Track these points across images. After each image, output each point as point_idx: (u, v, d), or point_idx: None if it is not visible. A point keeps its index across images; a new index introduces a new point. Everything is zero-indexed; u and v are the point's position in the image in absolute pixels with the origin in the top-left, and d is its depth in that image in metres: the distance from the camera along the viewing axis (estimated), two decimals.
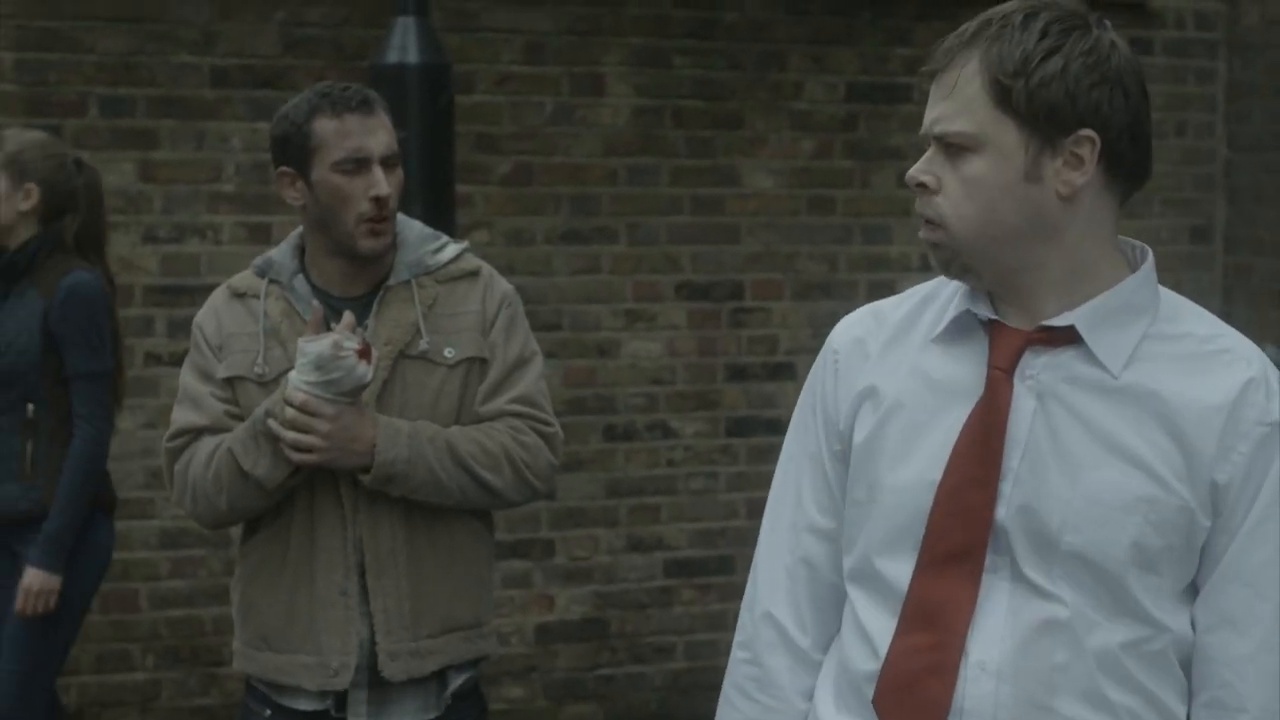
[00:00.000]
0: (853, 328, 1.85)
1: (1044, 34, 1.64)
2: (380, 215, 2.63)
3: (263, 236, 4.67)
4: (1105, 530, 1.63)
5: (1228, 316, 5.73)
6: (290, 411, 2.54)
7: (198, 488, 2.66)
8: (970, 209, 1.67)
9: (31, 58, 4.47)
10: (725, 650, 1.91)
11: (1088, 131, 1.64)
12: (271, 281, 2.72)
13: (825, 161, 5.13)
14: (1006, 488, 1.67)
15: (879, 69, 5.13)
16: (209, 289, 4.59)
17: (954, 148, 1.68)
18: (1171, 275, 5.33)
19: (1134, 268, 1.73)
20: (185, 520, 4.64)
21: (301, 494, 2.65)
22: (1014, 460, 1.67)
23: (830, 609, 1.84)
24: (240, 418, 2.66)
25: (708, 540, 5.10)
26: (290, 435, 2.54)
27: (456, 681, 2.71)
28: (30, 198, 3.67)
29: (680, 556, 5.07)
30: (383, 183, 2.62)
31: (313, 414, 2.53)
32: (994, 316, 1.71)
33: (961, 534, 1.67)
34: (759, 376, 5.12)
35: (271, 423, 2.56)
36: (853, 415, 1.79)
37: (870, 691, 1.73)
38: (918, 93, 5.17)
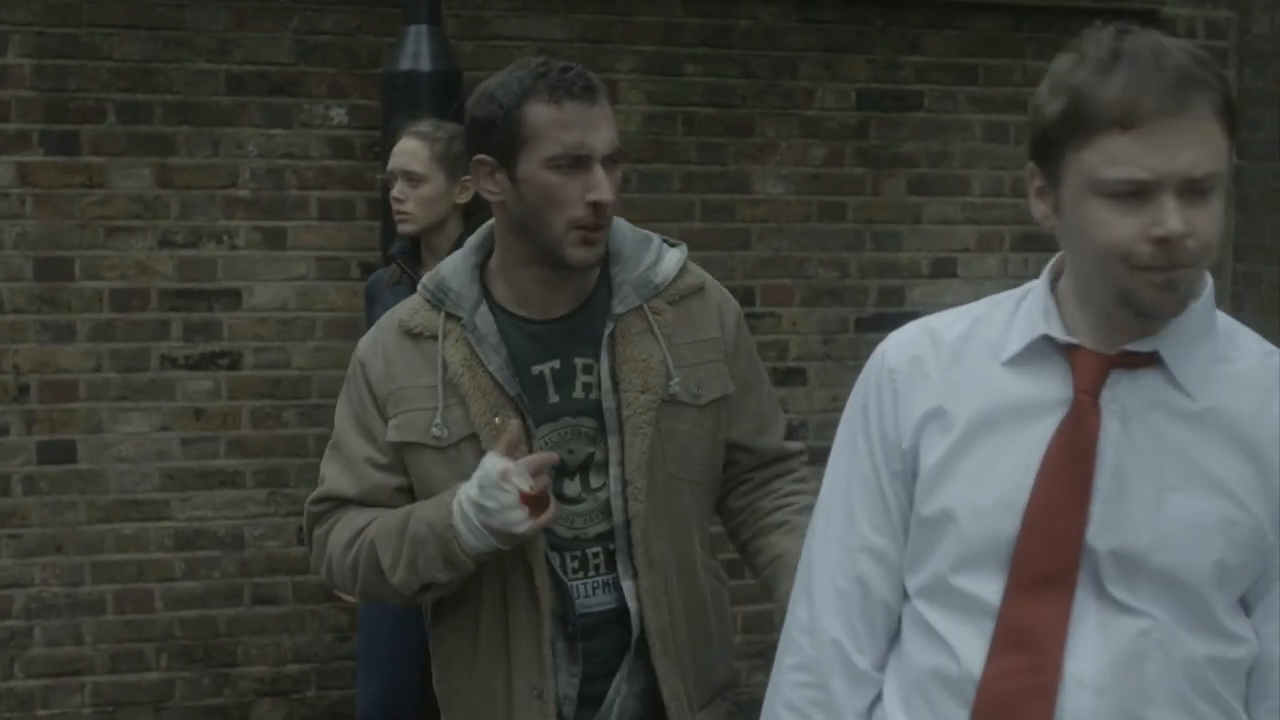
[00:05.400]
0: (909, 346, 1.83)
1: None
2: (597, 223, 2.22)
3: (278, 242, 4.71)
4: (1192, 551, 1.66)
5: None
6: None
7: (334, 565, 2.35)
8: None
9: (50, 64, 4.51)
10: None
11: (1030, 164, 1.70)
12: (449, 317, 2.30)
13: (836, 168, 5.15)
14: (1097, 510, 1.68)
15: (890, 76, 5.15)
16: (224, 293, 4.69)
17: None
18: None
19: None
20: (200, 522, 4.68)
21: (492, 574, 2.28)
22: (1102, 482, 1.69)
23: (882, 627, 1.84)
24: (405, 488, 2.32)
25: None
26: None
27: None
28: (467, 191, 3.56)
29: None
30: (604, 186, 2.20)
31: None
32: (1073, 340, 1.72)
33: (1052, 557, 1.68)
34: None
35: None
36: (917, 436, 1.79)
37: (951, 695, 1.72)
38: (928, 100, 5.19)
